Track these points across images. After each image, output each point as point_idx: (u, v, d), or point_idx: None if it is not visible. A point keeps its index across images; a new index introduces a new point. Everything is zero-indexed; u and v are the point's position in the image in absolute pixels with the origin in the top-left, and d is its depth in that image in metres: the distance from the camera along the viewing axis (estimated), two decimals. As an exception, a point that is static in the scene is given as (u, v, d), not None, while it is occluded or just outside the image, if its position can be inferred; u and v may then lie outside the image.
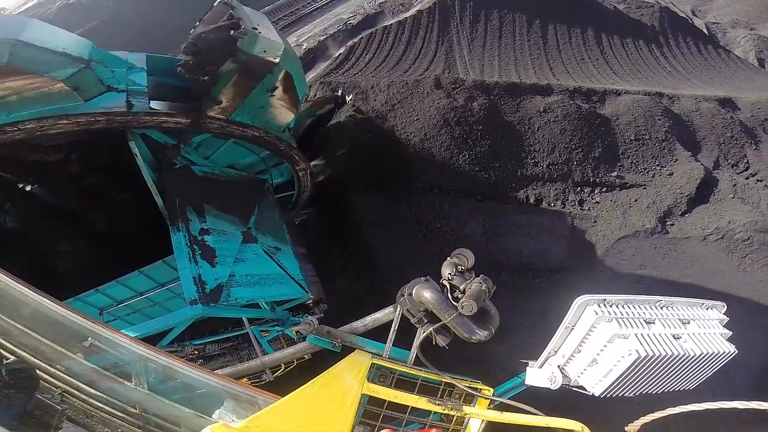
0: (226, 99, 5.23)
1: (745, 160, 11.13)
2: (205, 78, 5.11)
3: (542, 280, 8.12)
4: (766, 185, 10.66)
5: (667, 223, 9.26)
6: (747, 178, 10.75)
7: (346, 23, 13.01)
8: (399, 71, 10.85)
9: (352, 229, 8.43)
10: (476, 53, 12.08)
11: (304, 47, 12.06)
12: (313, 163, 7.42)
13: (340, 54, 11.55)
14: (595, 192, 9.44)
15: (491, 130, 9.09)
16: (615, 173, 9.77)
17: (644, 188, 9.66)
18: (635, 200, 9.43)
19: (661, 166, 10.14)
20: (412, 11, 12.71)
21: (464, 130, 8.79)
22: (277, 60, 5.05)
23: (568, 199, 9.19)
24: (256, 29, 4.96)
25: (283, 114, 5.82)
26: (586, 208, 9.23)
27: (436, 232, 8.19)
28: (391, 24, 12.37)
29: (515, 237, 8.43)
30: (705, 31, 16.91)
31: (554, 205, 9.05)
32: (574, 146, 9.52)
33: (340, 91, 9.22)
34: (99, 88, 4.80)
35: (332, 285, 7.17)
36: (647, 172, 10.02)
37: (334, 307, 6.41)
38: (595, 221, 9.04)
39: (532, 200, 8.93)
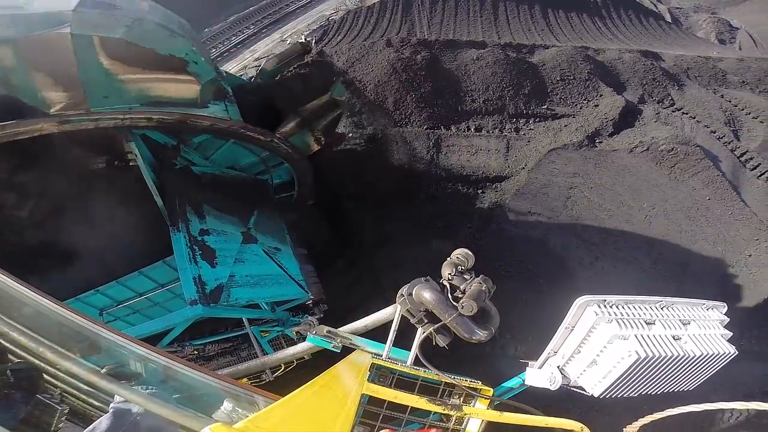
0: (55, 98, 4.91)
1: (670, 98, 12.09)
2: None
3: (484, 189, 9.51)
4: (691, 117, 11.50)
5: (596, 140, 10.41)
6: (672, 112, 11.67)
7: (328, 19, 13.47)
8: (365, 46, 12.74)
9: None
10: (434, 29, 13.97)
11: (288, 42, 12.85)
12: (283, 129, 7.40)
13: (315, 36, 12.88)
14: (530, 122, 10.89)
15: (432, 75, 10.81)
16: (545, 106, 11.20)
17: (573, 117, 11.00)
18: (565, 125, 10.75)
19: (588, 101, 11.44)
20: (381, -5, 14.37)
21: (409, 76, 10.53)
22: (68, 30, 4.70)
23: (505, 128, 10.68)
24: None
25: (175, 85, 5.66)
26: (522, 134, 10.61)
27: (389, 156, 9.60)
28: (360, 8, 14.14)
29: (458, 155, 9.91)
30: (668, 15, 18.07)
31: (493, 133, 10.51)
32: (505, 85, 11.06)
33: (303, 38, 10.00)
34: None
35: (332, 285, 7.22)
36: (575, 105, 11.37)
37: (334, 307, 6.43)
38: (529, 141, 10.36)
39: (472, 129, 10.49)
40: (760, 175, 10.33)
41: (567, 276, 8.19)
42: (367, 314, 3.65)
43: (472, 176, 9.61)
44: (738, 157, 10.63)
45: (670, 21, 17.58)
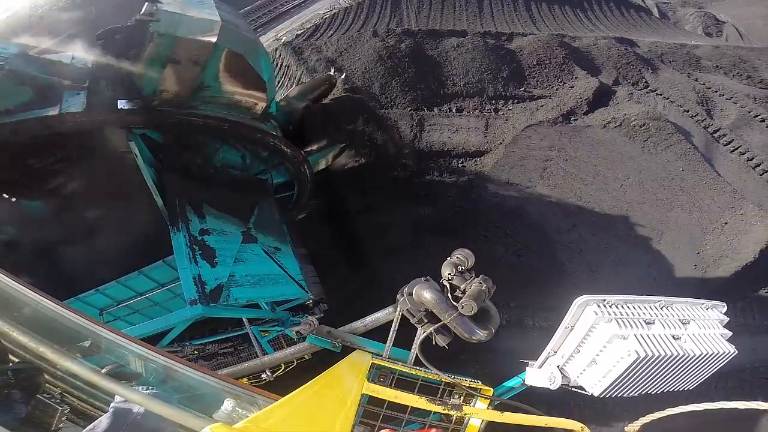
0: (169, 89, 4.98)
1: (644, 81, 12.59)
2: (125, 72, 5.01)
3: (464, 163, 10.16)
4: (665, 97, 11.89)
5: (571, 118, 10.95)
6: (646, 93, 12.17)
7: (322, 18, 14.09)
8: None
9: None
10: (422, 23, 14.64)
11: (282, 41, 13.05)
12: (306, 149, 7.48)
13: (307, 31, 13.54)
14: (508, 103, 11.55)
15: (416, 61, 11.55)
16: (523, 89, 11.86)
17: (549, 98, 11.62)
18: (542, 105, 11.35)
19: (563, 83, 12.06)
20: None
21: (394, 63, 11.25)
22: (215, 39, 4.75)
23: (485, 109, 11.32)
24: (176, 12, 4.87)
25: (251, 100, 5.58)
26: (501, 113, 11.23)
27: (375, 133, 10.06)
28: (351, 5, 14.74)
29: (440, 133, 10.54)
30: (656, 10, 18.60)
31: (473, 113, 11.10)
32: (483, 70, 11.77)
33: (332, 70, 10.42)
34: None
35: (332, 285, 7.24)
36: (551, 87, 12.02)
37: (334, 307, 6.42)
38: (507, 119, 10.95)
39: (454, 110, 11.14)
40: (734, 150, 10.67)
41: (545, 241, 8.42)
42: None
43: (453, 151, 10.24)
44: (711, 134, 11.00)
45: (657, 15, 18.02)
